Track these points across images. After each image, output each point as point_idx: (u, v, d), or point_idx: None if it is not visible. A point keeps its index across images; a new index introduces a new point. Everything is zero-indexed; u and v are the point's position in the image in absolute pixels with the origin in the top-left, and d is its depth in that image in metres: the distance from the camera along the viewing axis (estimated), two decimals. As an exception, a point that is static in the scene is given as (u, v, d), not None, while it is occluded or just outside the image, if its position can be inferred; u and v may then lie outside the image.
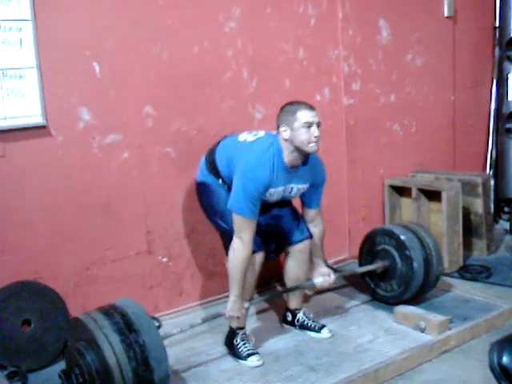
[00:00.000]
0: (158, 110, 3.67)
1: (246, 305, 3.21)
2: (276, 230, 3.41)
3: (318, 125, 3.03)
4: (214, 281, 3.92)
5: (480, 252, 4.70)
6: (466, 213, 4.62)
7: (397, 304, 3.62)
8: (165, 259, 3.76)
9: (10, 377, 2.98)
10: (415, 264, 3.59)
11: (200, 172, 3.40)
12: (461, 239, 4.39)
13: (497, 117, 5.54)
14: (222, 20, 3.86)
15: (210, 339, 3.47)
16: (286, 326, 3.57)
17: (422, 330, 3.36)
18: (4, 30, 3.15)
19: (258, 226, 3.13)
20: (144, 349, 2.57)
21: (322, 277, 3.44)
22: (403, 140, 4.88)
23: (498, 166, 5.53)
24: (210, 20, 3.82)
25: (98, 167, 3.50)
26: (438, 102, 5.15)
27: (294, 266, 3.47)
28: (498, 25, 5.52)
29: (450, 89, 5.25)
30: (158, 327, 3.58)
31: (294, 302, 3.55)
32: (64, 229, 3.39)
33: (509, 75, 5.44)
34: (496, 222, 5.37)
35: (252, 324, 3.51)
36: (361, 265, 3.93)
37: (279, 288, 4.05)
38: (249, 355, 3.17)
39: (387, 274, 3.73)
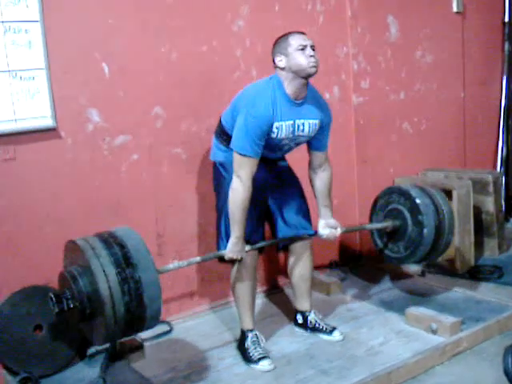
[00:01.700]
0: (168, 111, 3.65)
1: (247, 248, 3.14)
2: (276, 215, 3.38)
3: (312, 47, 3.01)
4: (225, 284, 3.87)
5: (491, 251, 4.67)
6: (477, 211, 4.58)
7: (400, 264, 3.60)
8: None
9: (22, 383, 2.96)
10: (425, 230, 3.46)
11: (212, 148, 3.33)
12: (472, 238, 4.35)
13: (507, 113, 5.52)
14: (231, 19, 3.84)
15: (222, 342, 3.45)
16: (297, 329, 3.54)
17: (434, 332, 3.34)
18: (13, 31, 3.13)
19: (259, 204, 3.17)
20: (139, 285, 2.55)
21: (329, 229, 3.35)
22: (413, 138, 4.85)
23: (509, 163, 5.51)
24: (218, 19, 3.80)
25: (108, 169, 3.49)
26: (448, 99, 5.12)
27: (297, 263, 3.45)
28: (507, 20, 5.49)
29: (460, 85, 5.22)
30: (169, 331, 3.59)
31: (303, 303, 3.52)
32: (74, 231, 3.36)
33: (519, 71, 5.42)
34: (507, 220, 5.32)
35: (263, 327, 3.48)
36: (371, 221, 3.82)
37: (288, 290, 4.03)
38: (259, 359, 3.14)
39: (396, 235, 3.61)
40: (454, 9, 5.08)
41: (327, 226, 3.34)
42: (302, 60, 2.96)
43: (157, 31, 3.58)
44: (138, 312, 2.57)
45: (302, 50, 2.98)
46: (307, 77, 3.00)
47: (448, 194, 4.23)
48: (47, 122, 3.25)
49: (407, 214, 3.55)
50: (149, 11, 3.54)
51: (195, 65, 3.74)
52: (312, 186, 3.37)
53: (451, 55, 5.12)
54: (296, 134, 3.10)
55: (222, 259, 3.21)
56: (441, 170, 4.82)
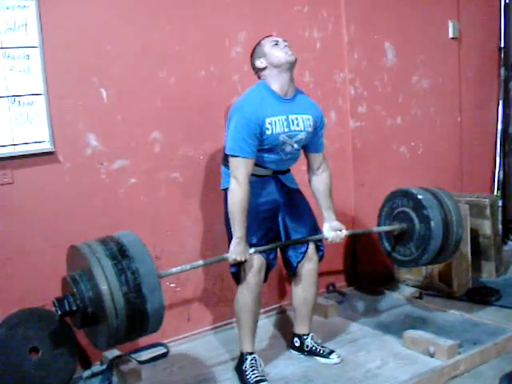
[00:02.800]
0: (166, 135, 3.68)
1: (251, 250, 3.11)
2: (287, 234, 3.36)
3: (284, 41, 3.18)
4: (222, 306, 3.90)
5: (489, 274, 4.67)
6: (474, 235, 4.59)
7: (415, 266, 3.61)
8: (172, 285, 3.75)
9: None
10: (433, 223, 3.40)
11: (222, 177, 3.31)
12: (469, 261, 4.36)
13: (503, 137, 5.55)
14: (228, 45, 3.89)
15: (219, 365, 3.44)
16: (294, 352, 3.53)
17: (432, 355, 3.33)
18: (13, 57, 3.17)
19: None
20: (137, 276, 2.55)
21: (334, 231, 3.34)
22: (410, 162, 4.88)
23: (506, 186, 5.53)
24: (216, 45, 3.85)
25: (106, 193, 3.51)
26: (445, 123, 5.15)
27: (302, 287, 3.44)
28: (502, 45, 5.55)
29: (457, 110, 5.25)
30: (165, 354, 3.58)
31: (301, 327, 3.51)
32: (72, 255, 3.39)
33: (514, 96, 5.46)
34: (505, 243, 5.34)
35: (260, 349, 3.48)
36: None
37: (290, 312, 4.03)
38: (257, 382, 3.13)
39: (405, 237, 3.56)
40: (450, 34, 5.13)
41: (332, 229, 3.35)
42: (279, 53, 3.12)
43: (155, 56, 3.63)
44: (138, 303, 2.54)
45: (276, 44, 3.15)
46: (290, 67, 3.14)
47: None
48: (45, 146, 3.28)
49: (413, 214, 3.51)
50: (147, 37, 3.59)
51: (193, 90, 3.78)
52: (313, 190, 3.41)
53: (447, 80, 5.17)
54: (292, 128, 3.14)
55: (236, 276, 3.21)
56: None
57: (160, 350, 3.61)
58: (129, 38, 3.54)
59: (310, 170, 3.40)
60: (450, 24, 5.11)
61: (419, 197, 3.50)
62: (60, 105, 3.32)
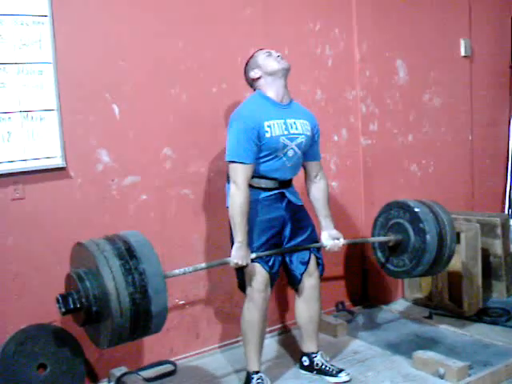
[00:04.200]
0: (177, 152, 3.69)
1: (253, 255, 3.12)
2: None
3: (276, 51, 3.30)
4: (231, 324, 3.88)
5: (499, 294, 4.63)
6: (485, 254, 4.56)
7: (407, 277, 3.62)
8: (181, 302, 3.74)
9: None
10: (428, 237, 3.42)
11: (227, 195, 3.29)
12: (480, 281, 4.33)
13: (515, 156, 5.53)
14: (240, 62, 3.86)
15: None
16: (303, 371, 3.51)
17: (442, 377, 3.29)
18: (26, 73, 3.19)
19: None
20: (144, 277, 2.56)
21: (332, 240, 3.37)
22: (421, 180, 4.86)
23: (517, 206, 5.50)
24: (228, 62, 3.86)
25: (117, 209, 3.51)
26: (456, 141, 5.14)
27: (305, 305, 3.44)
28: (514, 64, 5.54)
29: (468, 128, 5.24)
30: (173, 372, 3.57)
31: (309, 345, 3.49)
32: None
33: (526, 114, 5.45)
34: (515, 262, 5.30)
35: (268, 369, 3.47)
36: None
37: (294, 331, 4.01)
38: (263, 402, 3.12)
39: (399, 249, 3.57)
40: (462, 53, 5.13)
41: (330, 238, 3.38)
42: (273, 62, 3.23)
43: (167, 73, 3.64)
44: (143, 304, 2.55)
45: (269, 55, 3.26)
46: (284, 73, 3.23)
47: (456, 236, 4.22)
48: (57, 161, 3.29)
49: (408, 226, 3.53)
50: (160, 53, 3.61)
51: (205, 106, 3.79)
52: (310, 198, 3.45)
53: (459, 98, 5.16)
54: (291, 131, 3.20)
55: (242, 287, 3.24)
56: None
57: (168, 368, 3.59)
58: (141, 55, 3.55)
59: (308, 178, 3.45)
60: (462, 42, 5.11)
61: (416, 210, 3.52)
62: (72, 120, 3.33)
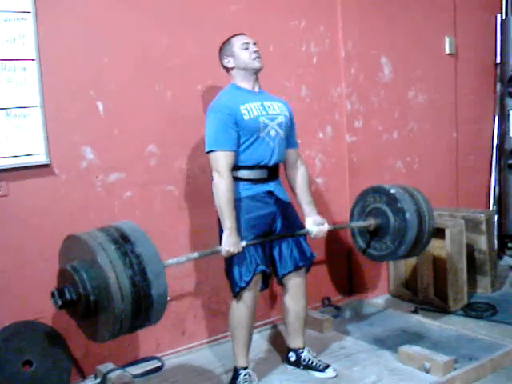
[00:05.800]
0: (162, 149, 3.69)
1: (243, 243, 3.09)
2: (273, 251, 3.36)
3: (255, 43, 3.26)
4: (217, 320, 3.89)
5: (484, 289, 4.67)
6: (470, 250, 4.60)
7: (391, 259, 3.70)
8: (168, 298, 3.71)
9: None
10: (408, 214, 3.45)
11: None
12: (465, 277, 4.36)
13: (499, 153, 5.57)
14: (225, 59, 3.89)
15: (213, 379, 3.43)
16: (290, 367, 3.51)
17: (427, 371, 3.31)
18: (9, 69, 3.17)
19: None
20: (141, 259, 2.51)
21: (317, 226, 3.35)
22: (406, 177, 4.87)
23: (502, 202, 5.55)
24: (212, 59, 3.82)
25: (101, 206, 3.50)
26: (441, 138, 5.18)
27: (292, 301, 3.43)
28: (499, 61, 5.58)
29: (453, 125, 5.28)
30: (160, 368, 3.57)
31: (296, 341, 3.49)
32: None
33: (510, 111, 5.49)
34: (500, 258, 5.35)
35: (255, 365, 3.48)
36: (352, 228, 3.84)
37: (281, 326, 4.01)
38: (249, 398, 3.12)
39: (380, 233, 3.59)
40: (447, 50, 5.17)
41: (315, 223, 3.36)
42: (247, 57, 3.21)
43: (152, 70, 3.64)
44: (144, 287, 2.49)
45: (246, 48, 3.22)
46: (255, 72, 3.25)
47: (441, 232, 4.26)
48: (41, 158, 3.28)
49: (386, 208, 3.55)
50: (144, 50, 3.60)
51: (190, 103, 3.79)
52: (292, 185, 3.45)
53: (444, 95, 5.20)
54: (269, 112, 3.22)
55: (236, 292, 3.20)
56: (434, 208, 4.82)
57: (154, 364, 3.59)
58: (126, 52, 3.55)
59: (287, 165, 3.44)
60: (447, 40, 5.15)
61: (392, 191, 3.56)
62: (56, 117, 3.32)
